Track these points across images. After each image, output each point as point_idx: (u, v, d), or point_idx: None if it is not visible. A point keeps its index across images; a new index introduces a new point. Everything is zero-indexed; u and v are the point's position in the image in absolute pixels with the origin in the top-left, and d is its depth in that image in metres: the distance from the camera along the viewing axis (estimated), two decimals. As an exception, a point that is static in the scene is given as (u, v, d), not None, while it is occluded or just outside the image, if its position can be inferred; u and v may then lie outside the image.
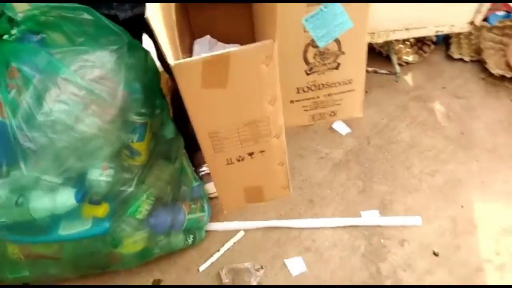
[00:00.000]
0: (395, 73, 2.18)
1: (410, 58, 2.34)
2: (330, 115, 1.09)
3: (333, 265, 1.52)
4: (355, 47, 0.98)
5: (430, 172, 1.81)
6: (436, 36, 2.29)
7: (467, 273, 1.47)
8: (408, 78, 2.28)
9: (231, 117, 0.92)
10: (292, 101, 1.08)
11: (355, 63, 1.01)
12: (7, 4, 0.93)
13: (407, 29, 1.87)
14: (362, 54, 1.01)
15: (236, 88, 0.85)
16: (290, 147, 1.24)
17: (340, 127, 2.02)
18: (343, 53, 1.00)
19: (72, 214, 1.11)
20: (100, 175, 1.07)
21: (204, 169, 1.75)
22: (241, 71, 0.82)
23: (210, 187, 1.66)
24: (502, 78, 2.16)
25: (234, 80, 0.83)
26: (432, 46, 2.37)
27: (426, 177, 1.79)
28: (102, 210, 1.17)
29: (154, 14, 0.86)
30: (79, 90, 0.96)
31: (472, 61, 2.33)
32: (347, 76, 1.04)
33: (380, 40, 1.91)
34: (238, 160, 1.03)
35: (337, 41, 0.97)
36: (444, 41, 2.43)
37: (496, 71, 2.16)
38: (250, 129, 0.96)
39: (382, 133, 1.99)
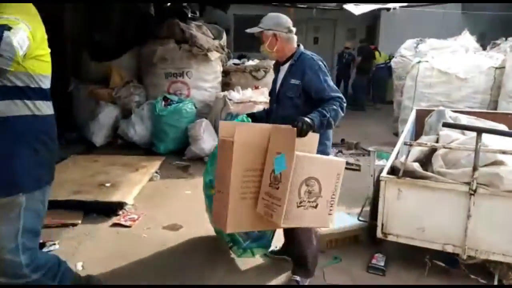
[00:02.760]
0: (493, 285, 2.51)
1: (514, 283, 2.48)
2: (271, 215, 2.06)
3: None
4: (284, 183, 2.00)
5: None
6: None
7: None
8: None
9: (222, 161, 2.22)
10: (263, 198, 2.12)
11: (283, 191, 2.00)
12: None
13: (503, 255, 2.41)
14: (286, 188, 1.98)
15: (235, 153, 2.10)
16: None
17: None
18: (280, 181, 2.02)
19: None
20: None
21: None
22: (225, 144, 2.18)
23: None
24: None
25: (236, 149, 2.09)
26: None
27: None
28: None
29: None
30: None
31: None
32: (279, 196, 2.01)
33: (481, 257, 2.44)
34: (218, 191, 2.26)
35: (279, 174, 2.02)
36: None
37: None
38: (221, 177, 2.23)
39: None
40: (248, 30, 2.48)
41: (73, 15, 6.42)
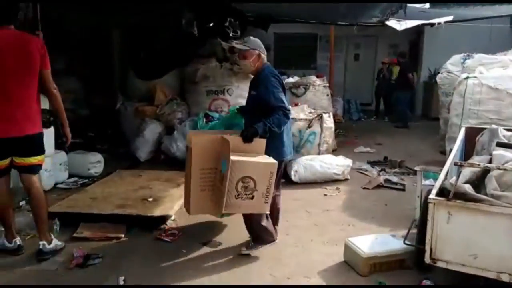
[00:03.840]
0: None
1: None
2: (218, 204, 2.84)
3: None
4: (224, 181, 2.70)
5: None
6: None
7: None
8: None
9: (187, 163, 3.07)
10: (215, 190, 2.92)
11: (224, 187, 2.70)
12: None
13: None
14: (225, 185, 2.67)
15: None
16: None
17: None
18: (223, 179, 2.71)
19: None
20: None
21: None
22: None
23: None
24: None
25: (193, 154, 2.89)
26: None
27: None
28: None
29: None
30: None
31: None
32: (223, 190, 2.71)
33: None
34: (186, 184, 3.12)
35: (223, 174, 2.73)
36: None
37: None
38: (186, 174, 3.07)
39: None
40: (239, 46, 3.12)
41: (121, 36, 6.74)
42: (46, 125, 4.32)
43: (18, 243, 3.12)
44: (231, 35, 6.21)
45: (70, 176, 4.92)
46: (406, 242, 2.90)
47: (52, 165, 4.53)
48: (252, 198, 2.73)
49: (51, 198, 4.26)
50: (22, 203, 3.97)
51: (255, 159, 2.72)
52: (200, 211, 3.11)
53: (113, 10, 6.13)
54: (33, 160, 3.02)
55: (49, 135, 4.43)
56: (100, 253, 3.08)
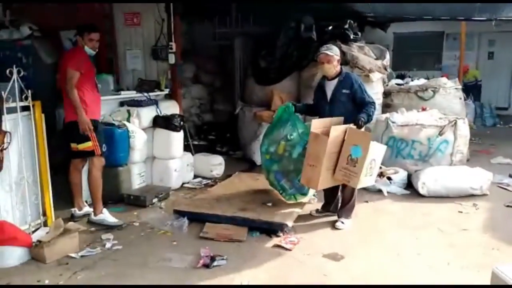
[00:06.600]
0: None
1: None
2: (348, 181, 3.50)
3: None
4: (360, 164, 3.34)
5: None
6: None
7: None
8: None
9: (316, 147, 3.53)
10: (340, 170, 3.47)
11: (359, 168, 3.35)
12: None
13: None
14: (362, 166, 3.32)
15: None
16: None
17: None
18: (357, 162, 3.35)
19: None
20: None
21: None
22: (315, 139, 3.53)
23: None
24: None
25: (330, 141, 3.40)
26: None
27: None
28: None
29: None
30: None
31: None
32: (356, 171, 3.36)
33: None
34: (311, 165, 3.55)
35: (355, 158, 3.35)
36: None
37: None
38: (314, 156, 3.50)
39: None
40: (328, 52, 3.66)
41: (242, 44, 7.00)
42: (176, 129, 4.69)
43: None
44: (351, 37, 5.98)
45: (195, 176, 5.23)
46: None
47: (180, 166, 4.87)
48: (372, 175, 3.49)
49: (179, 196, 4.60)
50: (155, 200, 4.33)
51: (375, 144, 3.50)
52: (322, 186, 3.65)
53: (236, 21, 6.40)
54: (79, 146, 3.66)
55: (179, 138, 4.80)
56: (224, 254, 3.16)
